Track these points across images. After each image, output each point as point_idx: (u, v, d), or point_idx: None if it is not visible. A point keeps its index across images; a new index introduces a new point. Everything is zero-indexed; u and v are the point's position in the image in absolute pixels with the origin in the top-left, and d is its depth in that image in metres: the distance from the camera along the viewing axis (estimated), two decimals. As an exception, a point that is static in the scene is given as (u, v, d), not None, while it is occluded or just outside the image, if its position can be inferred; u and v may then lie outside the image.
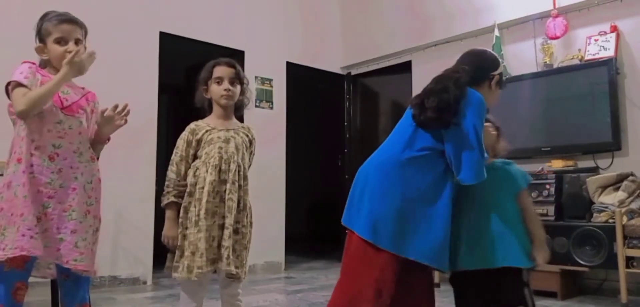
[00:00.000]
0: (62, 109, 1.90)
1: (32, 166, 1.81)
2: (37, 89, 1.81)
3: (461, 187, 1.85)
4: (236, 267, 2.07)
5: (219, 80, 2.19)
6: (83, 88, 2.04)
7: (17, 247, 1.73)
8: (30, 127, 1.85)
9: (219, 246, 2.05)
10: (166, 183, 2.13)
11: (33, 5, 2.18)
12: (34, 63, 1.93)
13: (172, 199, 2.09)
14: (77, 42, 1.95)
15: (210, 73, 2.22)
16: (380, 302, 1.73)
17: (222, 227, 2.06)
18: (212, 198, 2.06)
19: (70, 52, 1.89)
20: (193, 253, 2.02)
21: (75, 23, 1.96)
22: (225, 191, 2.08)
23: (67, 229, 1.84)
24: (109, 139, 2.06)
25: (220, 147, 2.11)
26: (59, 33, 1.91)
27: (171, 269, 2.09)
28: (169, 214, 2.10)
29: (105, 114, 1.95)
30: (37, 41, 1.96)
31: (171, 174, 2.13)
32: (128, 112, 1.99)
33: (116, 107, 1.96)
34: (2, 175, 1.91)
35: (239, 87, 2.23)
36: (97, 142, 2.02)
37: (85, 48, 2.04)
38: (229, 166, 2.10)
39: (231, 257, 2.04)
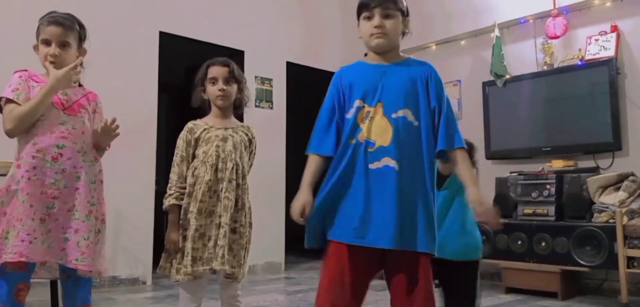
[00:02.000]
0: (64, 110, 1.89)
1: (34, 168, 1.81)
2: (23, 106, 1.81)
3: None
4: (232, 267, 2.05)
5: (214, 81, 2.18)
6: (83, 88, 2.04)
7: (16, 253, 1.73)
8: (32, 130, 1.85)
9: (216, 245, 2.04)
10: (168, 186, 2.13)
11: (34, 6, 2.17)
12: (26, 71, 1.92)
13: (173, 201, 2.08)
14: (64, 45, 1.91)
15: (205, 74, 2.21)
16: None
17: (219, 226, 2.05)
18: (208, 198, 2.05)
19: (51, 55, 1.88)
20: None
21: (63, 25, 1.91)
22: (221, 189, 2.07)
23: (71, 229, 1.85)
24: (109, 146, 2.06)
25: (218, 146, 2.10)
26: (45, 34, 1.90)
27: (165, 269, 2.09)
28: (170, 217, 2.09)
29: (100, 130, 1.93)
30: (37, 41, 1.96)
31: (173, 176, 2.12)
32: (117, 125, 1.97)
33: (107, 122, 1.94)
34: (3, 175, 1.91)
35: (235, 86, 2.21)
36: (99, 149, 2.02)
37: (85, 51, 2.03)
38: (226, 165, 2.09)
39: (226, 256, 2.02)
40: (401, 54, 1.74)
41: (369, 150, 1.58)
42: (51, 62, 1.88)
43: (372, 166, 1.57)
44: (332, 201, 1.61)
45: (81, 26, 2.01)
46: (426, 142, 1.61)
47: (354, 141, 1.61)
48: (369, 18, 1.65)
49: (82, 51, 2.01)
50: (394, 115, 1.59)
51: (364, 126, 1.60)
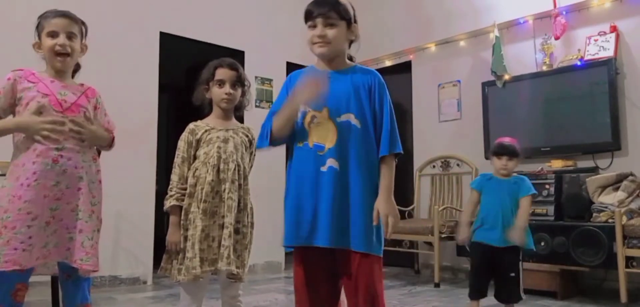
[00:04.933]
0: (63, 111, 1.89)
1: (34, 173, 1.80)
2: None
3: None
4: (237, 267, 2.06)
5: (221, 83, 2.18)
6: (82, 85, 2.03)
7: (9, 261, 1.73)
8: (30, 136, 1.85)
9: (220, 245, 2.05)
10: (169, 186, 2.13)
11: (34, 6, 2.18)
12: (22, 70, 1.90)
13: (174, 202, 2.08)
14: (71, 36, 1.92)
15: (212, 74, 2.21)
16: None
17: (222, 227, 2.06)
18: (211, 198, 2.06)
19: (60, 45, 1.88)
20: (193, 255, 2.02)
21: (70, 18, 1.94)
22: (224, 190, 2.07)
23: (75, 229, 1.85)
24: (111, 145, 2.05)
25: (219, 147, 2.11)
26: (51, 27, 1.90)
27: (166, 269, 2.10)
28: (172, 218, 2.09)
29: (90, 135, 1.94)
30: (36, 38, 1.95)
31: (174, 177, 2.13)
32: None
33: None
34: (3, 175, 1.91)
35: (240, 89, 2.23)
36: (100, 148, 2.02)
37: (86, 47, 2.03)
38: (228, 165, 2.10)
39: (232, 256, 2.03)
40: (348, 61, 1.77)
41: (319, 153, 1.63)
42: (59, 54, 1.88)
43: (323, 169, 1.62)
44: (291, 205, 1.67)
45: (82, 22, 2.02)
46: (369, 145, 1.66)
47: (302, 144, 1.66)
48: (313, 27, 1.69)
49: (83, 46, 2.01)
50: (338, 120, 1.64)
51: (312, 130, 1.65)
